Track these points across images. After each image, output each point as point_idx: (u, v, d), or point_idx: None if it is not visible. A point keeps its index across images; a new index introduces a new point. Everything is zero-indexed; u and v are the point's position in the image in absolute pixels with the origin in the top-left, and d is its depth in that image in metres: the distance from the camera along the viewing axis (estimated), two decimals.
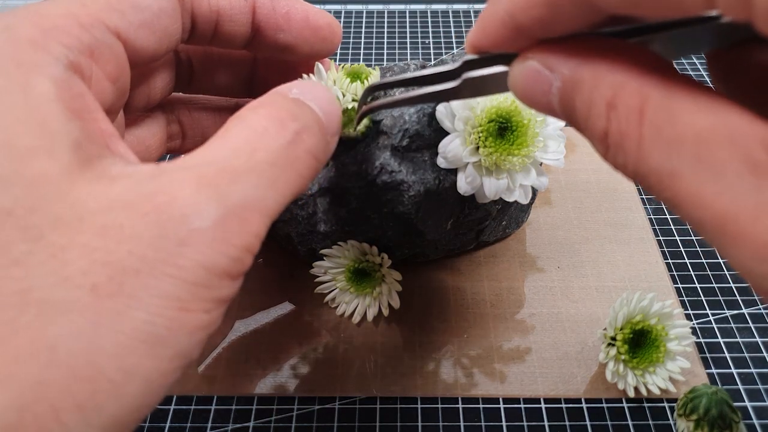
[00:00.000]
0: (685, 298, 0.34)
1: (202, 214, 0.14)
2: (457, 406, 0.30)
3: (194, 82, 0.27)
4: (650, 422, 0.29)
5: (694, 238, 0.37)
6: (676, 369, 0.29)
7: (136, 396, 0.14)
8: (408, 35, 0.55)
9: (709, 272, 0.35)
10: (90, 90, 0.17)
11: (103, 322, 0.13)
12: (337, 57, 0.52)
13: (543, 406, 0.30)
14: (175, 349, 0.14)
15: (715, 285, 0.35)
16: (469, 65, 0.16)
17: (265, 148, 0.16)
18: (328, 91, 0.20)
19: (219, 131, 0.17)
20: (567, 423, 0.29)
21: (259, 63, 0.27)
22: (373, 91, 0.20)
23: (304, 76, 0.26)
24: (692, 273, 0.35)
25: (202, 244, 0.14)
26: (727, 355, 0.32)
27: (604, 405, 0.30)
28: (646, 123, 0.12)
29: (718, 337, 0.32)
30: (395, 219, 0.29)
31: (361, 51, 0.53)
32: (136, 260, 0.14)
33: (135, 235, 0.14)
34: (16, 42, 0.15)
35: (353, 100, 0.26)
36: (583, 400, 0.30)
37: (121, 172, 0.15)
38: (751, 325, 0.33)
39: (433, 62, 0.18)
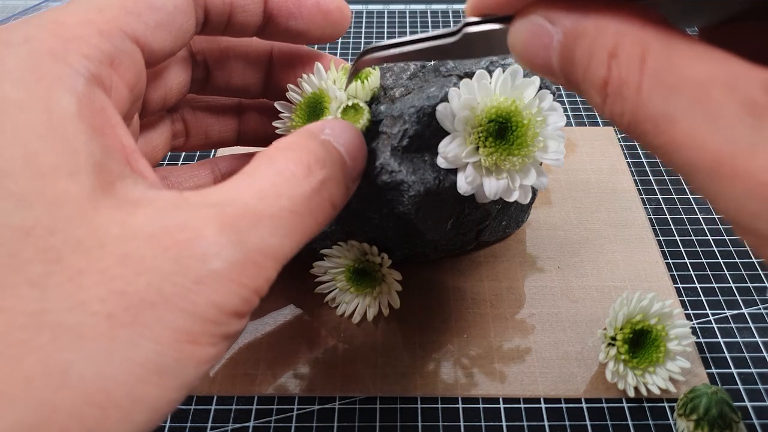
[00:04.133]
0: (685, 298, 0.34)
1: (221, 256, 0.15)
2: (457, 406, 0.30)
3: (210, 83, 0.26)
4: (650, 422, 0.29)
5: (694, 238, 0.37)
6: (676, 369, 0.29)
7: (142, 423, 0.14)
8: (408, 35, 0.55)
9: (709, 272, 0.35)
10: (111, 101, 0.17)
11: (117, 350, 0.13)
12: (337, 56, 0.52)
13: (543, 406, 0.30)
14: (181, 380, 0.14)
15: (715, 285, 0.35)
16: (469, 26, 0.16)
17: (288, 195, 0.16)
18: (358, 135, 0.20)
19: (246, 167, 0.17)
20: (567, 423, 0.29)
21: (274, 62, 0.27)
22: (368, 53, 0.20)
23: (305, 76, 0.26)
24: (692, 273, 0.35)
25: (217, 284, 0.15)
26: (727, 355, 0.32)
27: (604, 405, 0.30)
28: (647, 70, 0.12)
29: (718, 337, 0.32)
30: (395, 219, 0.29)
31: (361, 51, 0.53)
32: (153, 293, 0.14)
33: (154, 268, 0.14)
34: (36, 54, 0.15)
35: (349, 98, 0.26)
36: (583, 400, 0.30)
37: (142, 196, 0.15)
38: (751, 325, 0.33)
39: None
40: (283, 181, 0.17)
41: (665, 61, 0.12)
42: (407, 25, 0.56)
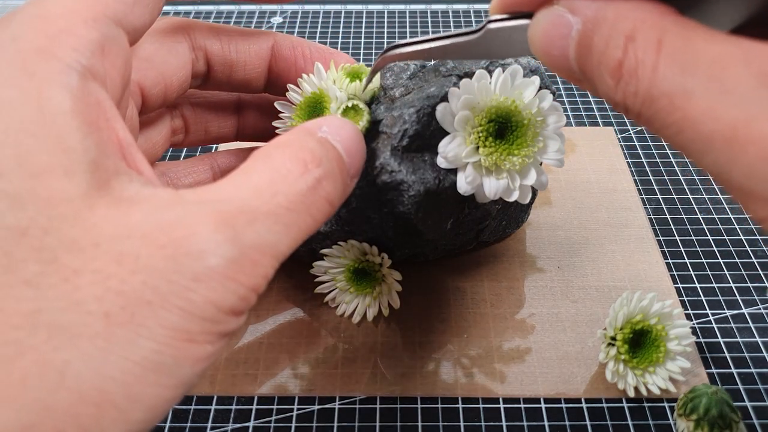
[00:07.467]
0: (685, 298, 0.34)
1: (218, 253, 0.15)
2: (457, 406, 0.30)
3: (211, 78, 0.26)
4: (650, 422, 0.29)
5: (694, 238, 0.37)
6: (676, 369, 0.29)
7: (139, 422, 0.14)
8: (408, 35, 0.55)
9: (709, 272, 0.35)
10: (107, 92, 0.16)
11: (113, 349, 0.13)
12: None
13: (543, 406, 0.30)
14: (179, 378, 0.14)
15: (715, 285, 0.35)
16: (492, 22, 0.17)
17: (285, 192, 0.16)
18: (356, 132, 0.20)
19: (243, 165, 0.17)
20: (567, 423, 0.29)
21: (276, 55, 0.27)
22: (391, 50, 0.20)
23: (304, 76, 0.26)
24: (692, 273, 0.35)
25: (214, 282, 0.14)
26: (727, 355, 0.32)
27: (604, 405, 0.30)
28: (664, 52, 0.13)
29: (718, 337, 0.32)
30: (395, 219, 0.29)
31: (361, 51, 0.53)
32: (149, 291, 0.14)
33: (150, 267, 0.14)
34: (25, 53, 0.15)
35: (350, 99, 0.26)
36: (583, 400, 0.30)
37: (138, 194, 0.15)
38: (751, 325, 0.33)
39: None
40: (279, 179, 0.17)
41: (682, 43, 0.13)
42: (407, 25, 0.56)
